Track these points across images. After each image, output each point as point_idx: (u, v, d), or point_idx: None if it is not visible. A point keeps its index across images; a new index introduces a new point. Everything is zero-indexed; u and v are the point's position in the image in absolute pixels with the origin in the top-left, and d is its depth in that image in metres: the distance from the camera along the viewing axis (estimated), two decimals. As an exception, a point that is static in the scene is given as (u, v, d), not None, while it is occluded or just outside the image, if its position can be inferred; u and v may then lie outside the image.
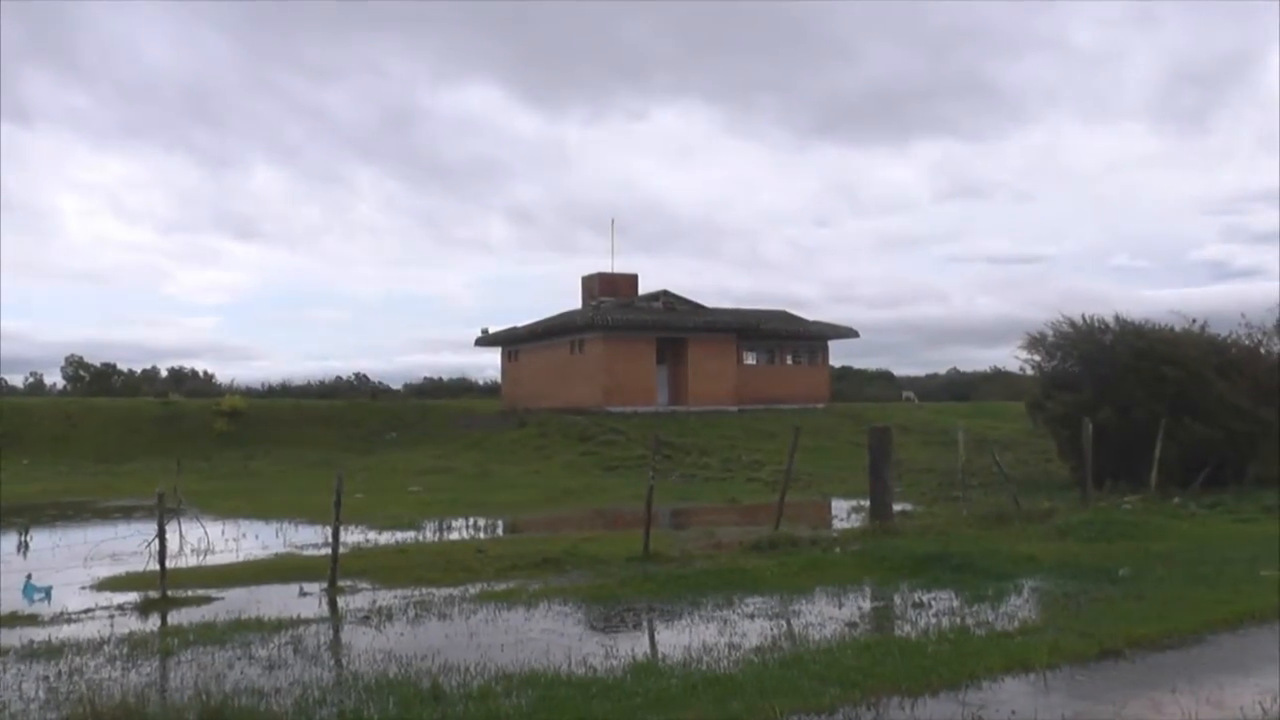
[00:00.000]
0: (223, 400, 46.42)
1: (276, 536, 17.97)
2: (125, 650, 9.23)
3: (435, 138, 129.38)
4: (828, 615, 10.42)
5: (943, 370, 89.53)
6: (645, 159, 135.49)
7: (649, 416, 41.57)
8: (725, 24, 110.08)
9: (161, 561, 12.04)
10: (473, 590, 11.97)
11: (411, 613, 10.75)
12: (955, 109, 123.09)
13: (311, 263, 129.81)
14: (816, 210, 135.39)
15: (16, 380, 78.48)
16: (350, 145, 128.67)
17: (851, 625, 9.92)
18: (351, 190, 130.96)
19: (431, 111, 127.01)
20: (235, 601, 11.71)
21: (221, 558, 15.32)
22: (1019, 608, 10.59)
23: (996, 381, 71.56)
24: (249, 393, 63.60)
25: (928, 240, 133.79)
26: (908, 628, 9.72)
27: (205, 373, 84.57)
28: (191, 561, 14.86)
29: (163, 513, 12.13)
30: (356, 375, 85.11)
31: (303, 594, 12.15)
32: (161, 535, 12.09)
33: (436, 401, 55.91)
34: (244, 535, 18.08)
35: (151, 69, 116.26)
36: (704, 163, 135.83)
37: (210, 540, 16.62)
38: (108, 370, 73.95)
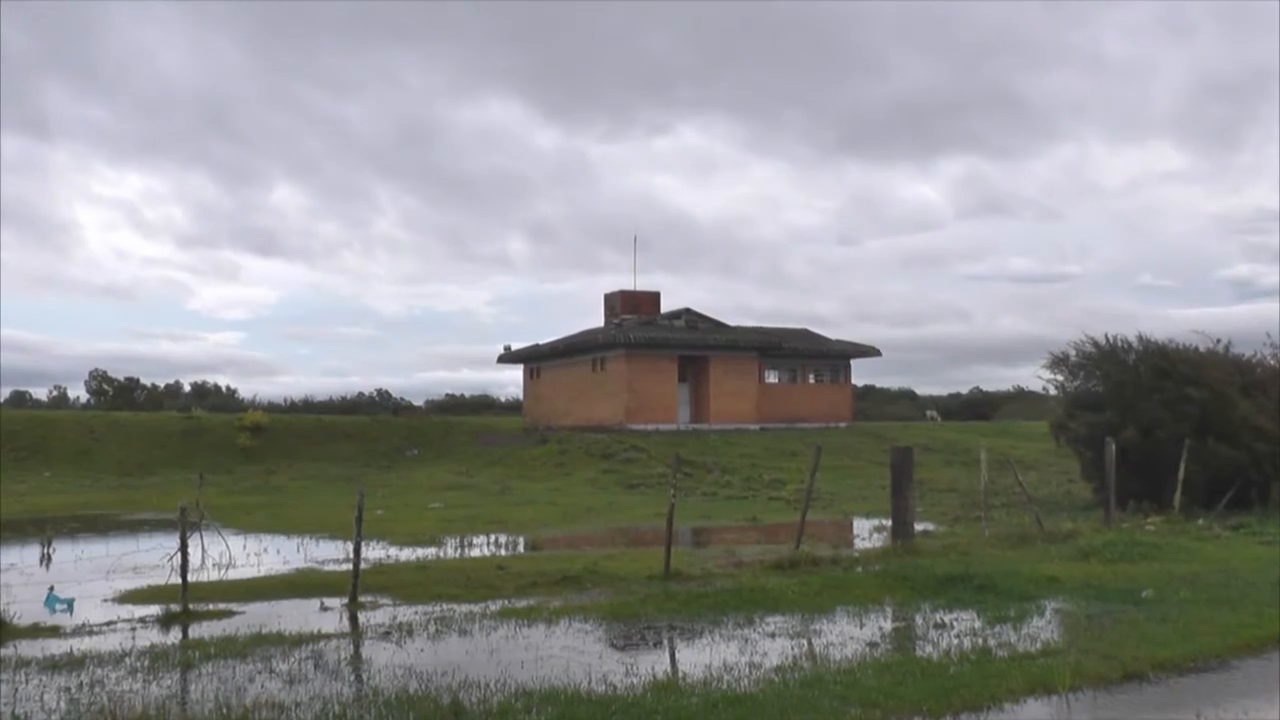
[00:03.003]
0: (245, 415, 46.69)
1: (298, 551, 18.00)
2: (146, 663, 9.27)
3: (455, 152, 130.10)
4: (849, 635, 10.37)
5: (965, 389, 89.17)
6: (667, 174, 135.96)
7: (670, 435, 41.56)
8: (749, 36, 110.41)
9: (183, 575, 12.09)
10: (493, 607, 11.97)
11: (432, 629, 10.76)
12: (983, 124, 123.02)
13: (332, 278, 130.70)
14: (840, 227, 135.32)
15: (40, 393, 79.34)
16: (369, 159, 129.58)
17: (872, 645, 9.87)
18: (371, 205, 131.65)
19: (451, 125, 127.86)
20: (256, 616, 11.75)
21: (243, 572, 15.36)
22: (1041, 629, 10.52)
23: (1019, 401, 71.22)
24: (271, 408, 63.91)
25: (952, 258, 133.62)
26: (929, 648, 9.67)
27: (227, 387, 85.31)
28: (213, 575, 14.92)
29: (185, 526, 12.19)
30: (378, 391, 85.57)
31: (324, 609, 12.17)
32: (183, 548, 12.15)
33: (458, 418, 56.02)
34: (265, 550, 18.13)
35: (170, 81, 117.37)
36: (726, 178, 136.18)
37: (232, 554, 16.68)
38: (131, 384, 74.53)
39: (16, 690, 8.39)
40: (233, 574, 15.15)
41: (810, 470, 17.28)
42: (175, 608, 11.98)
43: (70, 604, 12.43)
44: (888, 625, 10.95)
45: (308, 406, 72.68)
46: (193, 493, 21.48)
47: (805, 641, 10.08)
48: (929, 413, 65.86)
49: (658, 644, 10.29)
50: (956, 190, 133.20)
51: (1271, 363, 25.75)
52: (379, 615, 11.72)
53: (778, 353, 47.97)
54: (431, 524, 21.99)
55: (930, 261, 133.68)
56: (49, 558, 17.21)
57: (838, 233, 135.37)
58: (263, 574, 15.14)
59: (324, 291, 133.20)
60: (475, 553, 18.00)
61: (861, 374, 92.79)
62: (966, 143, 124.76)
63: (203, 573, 14.81)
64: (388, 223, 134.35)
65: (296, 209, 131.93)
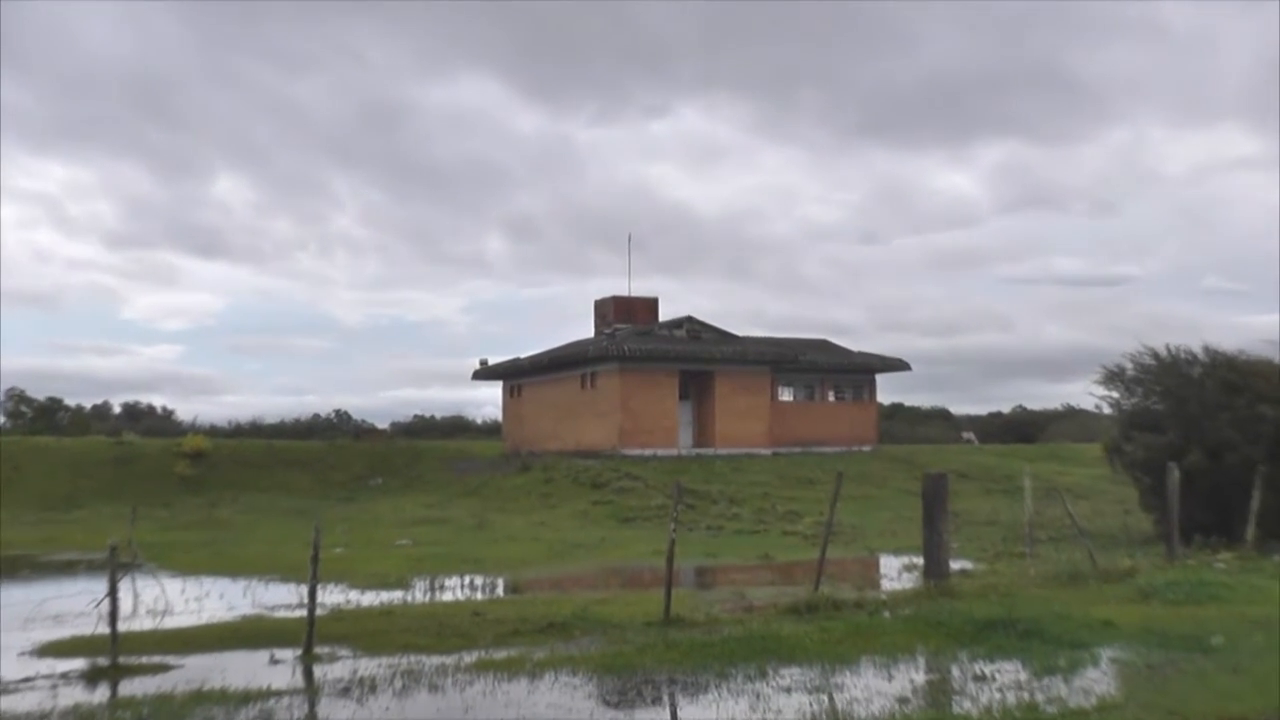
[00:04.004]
0: (184, 440, 46.59)
1: (244, 596, 17.97)
2: (71, 725, 9.22)
3: (423, 139, 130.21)
4: (875, 689, 10.34)
5: (1007, 408, 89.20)
6: (665, 163, 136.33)
7: (670, 460, 41.55)
8: (758, 6, 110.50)
9: (112, 624, 12.03)
10: (468, 659, 11.93)
11: (398, 684, 10.72)
12: (1026, 104, 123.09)
13: (284, 283, 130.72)
14: (863, 223, 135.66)
15: (-55, 417, 78.94)
16: (326, 147, 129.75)
17: (903, 701, 9.84)
18: (329, 199, 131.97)
19: (419, 108, 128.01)
20: (196, 670, 11.70)
21: (181, 619, 15.32)
22: (1096, 681, 10.49)
23: (1069, 421, 71.40)
24: (214, 431, 63.81)
25: (991, 258, 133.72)
26: (968, 704, 9.64)
27: (164, 408, 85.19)
28: (147, 624, 14.82)
29: (115, 568, 12.13)
30: (337, 412, 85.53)
31: (274, 662, 12.13)
32: (113, 594, 12.09)
33: (428, 442, 56.01)
34: (207, 594, 18.10)
35: (96, 57, 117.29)
36: (733, 168, 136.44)
37: (169, 599, 16.60)
38: (53, 405, 74.41)
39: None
40: (169, 622, 15.07)
41: (830, 500, 17.25)
42: (103, 661, 11.93)
43: (-17, 658, 12.35)
44: (920, 678, 10.91)
45: (256, 430, 72.63)
46: (124, 529, 21.38)
47: (826, 697, 10.04)
48: (965, 434, 65.95)
49: (657, 700, 10.25)
50: (996, 180, 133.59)
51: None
52: (338, 669, 11.68)
53: (793, 367, 48.00)
54: (398, 564, 21.96)
55: (966, 262, 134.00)
56: (-42, 605, 17.14)
57: (860, 229, 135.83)
58: (204, 622, 15.10)
59: (275, 298, 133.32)
60: (448, 596, 17.97)
61: (888, 390, 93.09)
62: (1007, 126, 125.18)
63: (135, 621, 14.71)
64: (348, 219, 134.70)
65: (243, 204, 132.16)
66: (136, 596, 16.29)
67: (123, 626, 12.42)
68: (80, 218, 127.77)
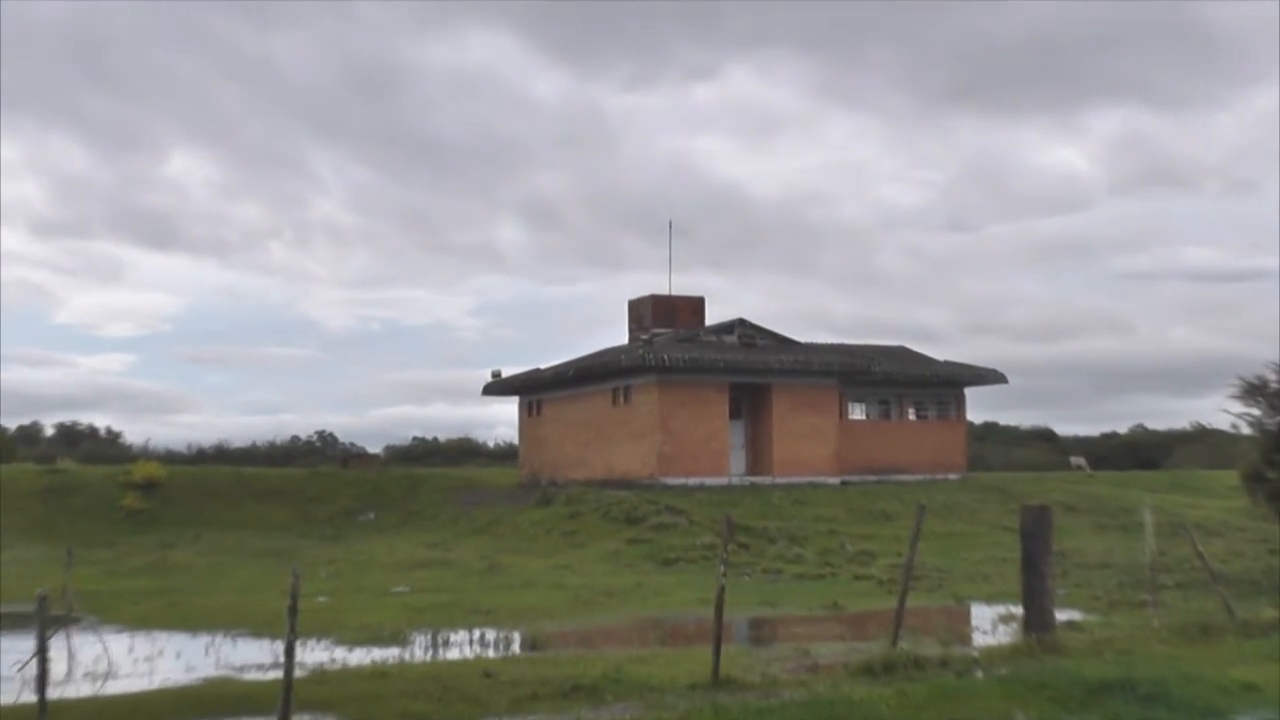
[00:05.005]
0: (133, 467, 46.86)
1: (207, 654, 18.01)
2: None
3: (423, 107, 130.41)
4: (965, 766, 10.27)
5: (1124, 428, 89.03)
6: (712, 136, 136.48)
7: (719, 491, 41.48)
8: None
9: (40, 690, 11.91)
10: (477, 728, 11.92)
11: (392, 759, 10.72)
12: (1147, 64, 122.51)
13: (254, 281, 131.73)
14: (950, 207, 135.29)
15: None
16: (305, 117, 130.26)
17: (999, 780, 9.77)
18: (307, 179, 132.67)
19: (417, 70, 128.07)
20: (151, 744, 11.71)
21: (129, 684, 15.33)
22: (1234, 757, 10.39)
23: (1199, 443, 70.92)
24: (170, 457, 64.38)
25: (1104, 248, 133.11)
26: (1077, 784, 9.55)
27: (109, 430, 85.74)
28: (85, 690, 14.89)
29: (44, 622, 12.09)
30: (319, 434, 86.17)
31: (245, 732, 12.14)
32: (42, 653, 12.06)
33: (429, 470, 56.08)
34: (161, 652, 18.13)
35: (22, 11, 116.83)
36: (793, 141, 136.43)
37: (112, 660, 16.66)
38: (-29, 427, 75.00)
39: None
40: (113, 687, 15.09)
41: (911, 538, 17.17)
42: (32, 736, 11.93)
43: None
44: (1020, 752, 10.84)
45: (222, 455, 73.19)
46: (57, 575, 21.50)
47: (906, 775, 9.98)
48: (1074, 459, 65.51)
49: (702, 779, 10.21)
50: (1111, 155, 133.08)
51: None
52: (320, 741, 11.68)
53: (865, 379, 47.84)
54: (393, 615, 21.98)
55: (1075, 253, 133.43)
56: None
57: (947, 214, 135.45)
58: (156, 687, 15.12)
59: (243, 298, 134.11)
60: (453, 654, 17.97)
61: (980, 407, 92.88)
62: (1125, 90, 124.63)
63: (70, 686, 14.79)
64: (331, 204, 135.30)
65: (203, 184, 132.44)
66: (72, 656, 16.42)
67: (55, 693, 12.42)
68: (4, 201, 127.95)
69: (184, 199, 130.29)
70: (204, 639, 19.46)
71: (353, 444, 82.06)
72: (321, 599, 23.61)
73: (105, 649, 16.96)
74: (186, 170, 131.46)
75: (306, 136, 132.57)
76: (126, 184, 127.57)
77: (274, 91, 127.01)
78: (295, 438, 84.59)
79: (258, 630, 19.92)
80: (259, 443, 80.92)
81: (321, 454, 76.89)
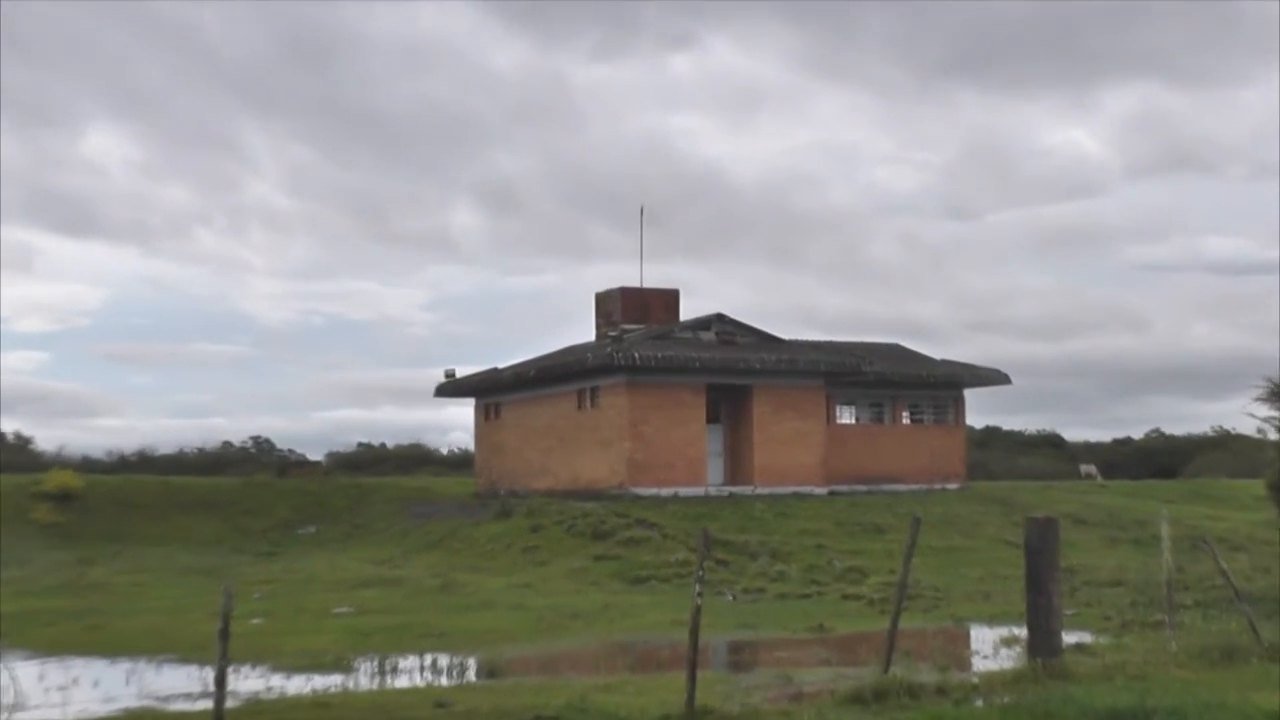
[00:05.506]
0: (45, 477, 46.60)
1: (128, 683, 17.87)
2: None
3: (369, 79, 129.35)
4: (965, 803, 10.26)
5: (1139, 433, 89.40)
6: (689, 112, 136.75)
7: (696, 502, 41.49)
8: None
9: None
10: (426, 763, 11.88)
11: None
12: (1166, 37, 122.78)
13: (181, 270, 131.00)
14: (949, 192, 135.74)
15: None
16: (238, 90, 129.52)
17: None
18: (240, 158, 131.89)
19: (362, 39, 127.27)
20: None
21: (39, 715, 15.26)
22: (1259, 793, 10.40)
23: (1221, 450, 71.32)
24: (87, 465, 63.91)
25: (1118, 237, 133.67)
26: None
27: (18, 435, 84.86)
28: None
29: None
30: (255, 440, 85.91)
31: (170, 769, 12.08)
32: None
33: (377, 479, 56.01)
34: (76, 681, 17.99)
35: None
36: (778, 118, 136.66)
37: (20, 690, 16.56)
38: None
39: None
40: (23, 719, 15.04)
41: (905, 554, 17.16)
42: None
43: None
44: (1025, 788, 10.83)
45: (146, 463, 72.90)
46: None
47: (900, 813, 9.96)
48: (1084, 467, 65.88)
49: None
50: (1126, 136, 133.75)
51: None
52: (254, 777, 11.62)
53: (856, 380, 47.91)
54: (336, 639, 21.93)
55: (1086, 242, 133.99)
56: None
57: (946, 199, 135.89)
58: (71, 719, 15.02)
59: (169, 290, 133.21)
60: (402, 681, 17.94)
61: (981, 410, 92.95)
62: (1142, 65, 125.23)
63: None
64: (267, 186, 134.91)
65: (124, 164, 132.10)
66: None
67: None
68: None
69: (103, 180, 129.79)
70: (125, 665, 19.37)
71: (292, 450, 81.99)
72: (256, 621, 23.51)
73: (12, 678, 16.84)
74: (105, 149, 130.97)
75: (240, 112, 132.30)
76: (38, 164, 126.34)
77: (203, 62, 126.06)
78: (227, 444, 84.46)
79: (185, 656, 19.84)
80: (187, 449, 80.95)
81: (257, 461, 76.78)
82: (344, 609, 26.41)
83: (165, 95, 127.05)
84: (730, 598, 28.23)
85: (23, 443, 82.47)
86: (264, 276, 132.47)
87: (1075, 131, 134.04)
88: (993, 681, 15.77)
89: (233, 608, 12.89)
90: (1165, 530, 21.94)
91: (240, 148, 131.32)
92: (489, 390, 52.03)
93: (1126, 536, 39.00)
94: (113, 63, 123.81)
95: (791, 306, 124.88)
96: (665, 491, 42.30)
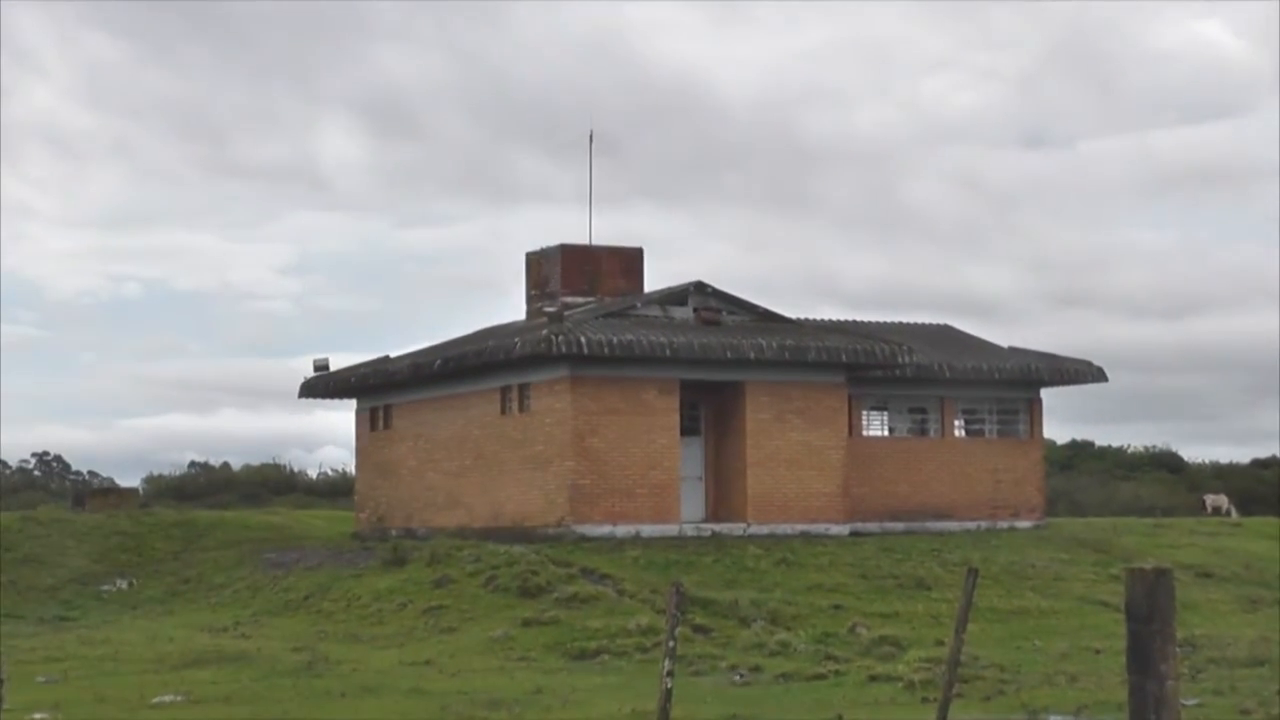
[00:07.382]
0: None
1: None
2: None
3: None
4: None
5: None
6: (656, 2, 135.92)
7: (665, 546, 41.57)
8: None
9: None
10: None
11: None
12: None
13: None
14: (1026, 112, 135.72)
15: None
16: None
17: None
18: (13, 54, 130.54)
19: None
20: None
21: None
22: None
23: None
24: None
25: (1266, 175, 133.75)
26: None
27: None
28: None
29: None
30: (40, 459, 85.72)
31: None
32: None
33: (216, 513, 56.03)
34: None
35: None
36: (784, 8, 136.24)
37: None
38: None
39: None
40: None
41: (958, 620, 17.21)
42: None
43: None
44: None
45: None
46: None
47: None
48: (1210, 499, 66.15)
49: None
50: (1268, 34, 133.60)
51: None
52: None
53: (888, 375, 48.08)
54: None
55: (1219, 183, 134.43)
56: None
57: (1021, 122, 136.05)
58: None
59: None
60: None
61: (1065, 418, 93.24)
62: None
63: None
64: (52, 93, 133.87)
65: None
66: None
67: None
68: None
69: None
70: None
71: (93, 473, 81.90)
72: (39, 717, 23.44)
73: None
74: None
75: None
76: None
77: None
78: (2, 464, 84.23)
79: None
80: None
81: (43, 489, 76.55)
82: (167, 698, 26.31)
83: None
84: (709, 676, 28.25)
85: None
86: (51, 226, 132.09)
87: (1206, 24, 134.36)
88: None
89: (4, 696, 12.83)
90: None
91: (10, 38, 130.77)
92: (376, 389, 52.10)
93: (1271, 596, 39.16)
94: None
95: (800, 272, 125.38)
96: (622, 531, 42.38)
